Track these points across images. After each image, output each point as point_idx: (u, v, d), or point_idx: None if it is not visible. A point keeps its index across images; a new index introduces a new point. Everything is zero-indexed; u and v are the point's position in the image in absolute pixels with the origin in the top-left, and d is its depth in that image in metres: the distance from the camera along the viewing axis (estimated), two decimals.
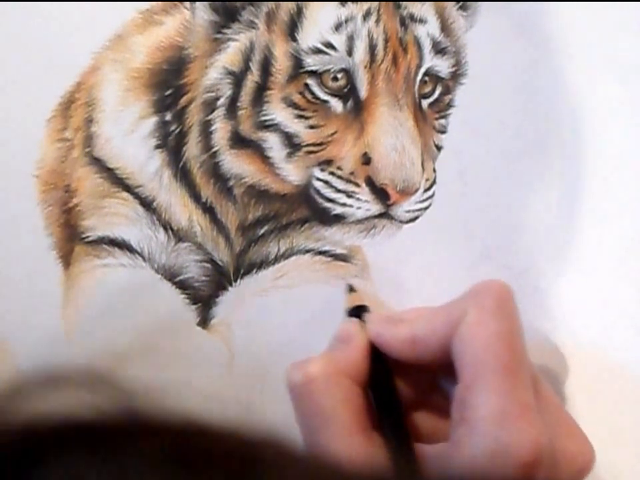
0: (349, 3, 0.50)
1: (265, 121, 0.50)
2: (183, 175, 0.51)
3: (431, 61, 0.52)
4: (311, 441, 0.41)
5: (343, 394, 0.41)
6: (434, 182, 0.52)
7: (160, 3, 0.51)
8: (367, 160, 0.50)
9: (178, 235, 0.52)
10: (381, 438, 0.41)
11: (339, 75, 0.50)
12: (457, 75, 0.53)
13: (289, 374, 0.42)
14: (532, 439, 0.37)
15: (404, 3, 0.51)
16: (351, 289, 0.49)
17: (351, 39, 0.50)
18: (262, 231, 0.52)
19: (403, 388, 0.44)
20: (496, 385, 0.38)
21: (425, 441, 0.42)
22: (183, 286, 0.52)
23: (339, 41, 0.50)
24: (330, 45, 0.50)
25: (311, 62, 0.50)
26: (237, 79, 0.50)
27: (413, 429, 0.44)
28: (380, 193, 0.50)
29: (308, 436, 0.42)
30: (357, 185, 0.50)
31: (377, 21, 0.50)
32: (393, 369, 0.44)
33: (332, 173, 0.51)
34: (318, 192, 0.51)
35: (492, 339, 0.39)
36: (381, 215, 0.51)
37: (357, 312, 0.46)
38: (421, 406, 0.44)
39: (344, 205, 0.51)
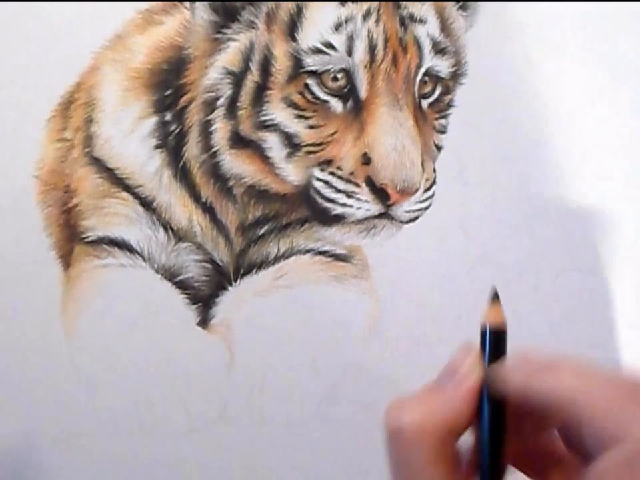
0: (349, 3, 0.50)
1: (265, 121, 0.50)
2: (182, 174, 0.51)
3: (430, 61, 0.52)
4: None
5: (436, 451, 0.36)
6: (434, 182, 0.52)
7: (160, 3, 0.51)
8: (366, 160, 0.50)
9: (178, 235, 0.52)
10: None
11: (339, 75, 0.50)
12: (456, 75, 0.53)
13: (386, 416, 0.36)
14: None
15: (404, 3, 0.51)
16: (496, 296, 0.38)
17: (350, 39, 0.50)
18: (262, 231, 0.52)
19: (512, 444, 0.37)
20: None
21: None
22: (182, 286, 0.52)
23: (338, 41, 0.50)
24: (330, 45, 0.50)
25: (311, 62, 0.50)
26: (237, 78, 0.50)
27: None
28: (380, 193, 0.50)
29: None
30: (357, 185, 0.50)
31: (377, 21, 0.50)
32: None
33: (332, 173, 0.51)
34: (318, 192, 0.51)
35: None
36: (381, 215, 0.51)
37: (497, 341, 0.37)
38: (536, 456, 0.37)
39: (344, 205, 0.51)
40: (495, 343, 0.38)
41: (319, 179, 0.51)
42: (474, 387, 0.36)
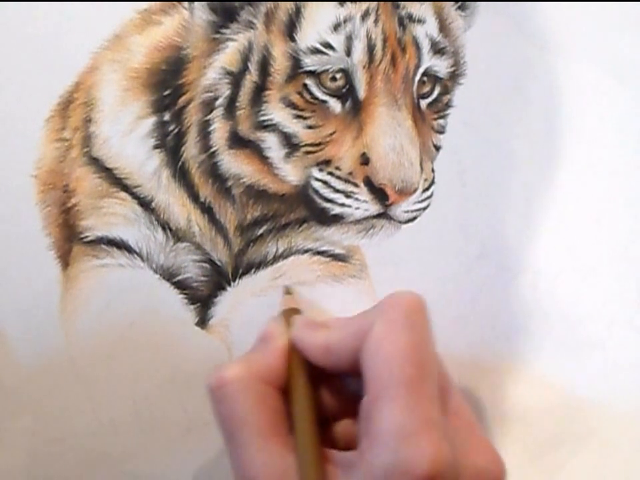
0: (348, 3, 0.50)
1: (264, 121, 0.50)
2: (181, 174, 0.51)
3: (429, 61, 0.52)
4: (229, 444, 0.41)
5: (256, 398, 0.41)
6: (432, 182, 0.53)
7: (158, 2, 0.51)
8: (365, 160, 0.50)
9: (176, 235, 0.52)
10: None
11: (338, 75, 0.50)
12: (455, 75, 0.53)
13: (208, 377, 0.43)
14: (430, 454, 0.37)
15: (402, 3, 0.51)
16: (287, 292, 0.51)
17: (349, 39, 0.50)
18: (260, 231, 0.52)
19: (326, 395, 0.44)
20: (398, 400, 0.38)
21: (348, 449, 0.42)
22: (181, 286, 0.52)
23: (337, 41, 0.50)
24: (328, 45, 0.50)
25: (310, 62, 0.50)
26: (236, 79, 0.50)
27: (335, 437, 0.44)
28: (378, 193, 0.50)
29: (226, 439, 0.42)
30: (356, 185, 0.50)
31: (376, 21, 0.50)
32: (317, 375, 0.44)
33: (330, 173, 0.51)
34: (316, 192, 0.51)
35: (396, 352, 0.39)
36: (379, 215, 0.51)
37: (289, 315, 0.47)
38: (345, 414, 0.44)
39: (342, 205, 0.51)
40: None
41: (317, 179, 0.51)
42: (283, 345, 0.44)
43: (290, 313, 0.48)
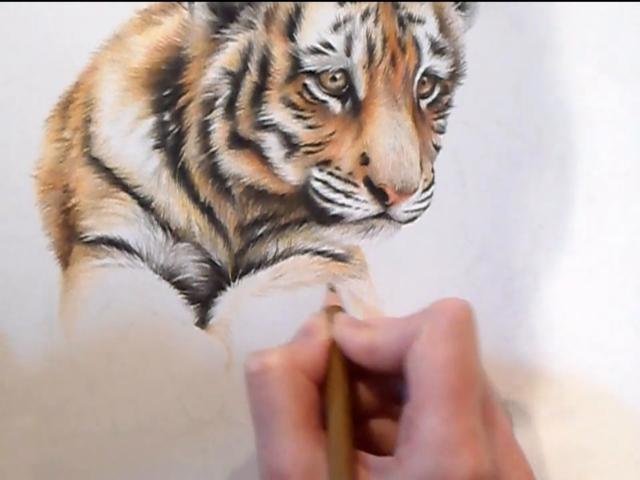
0: (347, 3, 0.50)
1: (264, 121, 0.50)
2: (181, 175, 0.51)
3: (429, 61, 0.52)
4: (260, 431, 0.41)
5: (295, 388, 0.41)
6: (432, 182, 0.53)
7: (158, 3, 0.51)
8: (365, 160, 0.50)
9: (176, 235, 0.52)
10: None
11: (338, 75, 0.50)
12: (455, 75, 0.53)
13: (247, 362, 0.42)
14: (472, 466, 0.37)
15: (402, 3, 0.51)
16: (332, 289, 0.51)
17: (349, 39, 0.50)
18: (260, 231, 0.52)
19: (364, 394, 0.44)
20: (442, 409, 0.38)
21: (380, 450, 0.42)
22: (181, 286, 0.52)
23: (337, 41, 0.50)
24: (328, 45, 0.50)
25: (310, 62, 0.50)
26: (236, 79, 0.50)
27: (369, 437, 0.44)
28: (378, 193, 0.50)
29: (258, 426, 0.42)
30: (356, 185, 0.50)
31: (376, 21, 0.50)
32: (357, 373, 0.43)
33: (330, 173, 0.51)
34: (316, 192, 0.51)
35: (442, 361, 0.39)
36: (379, 215, 0.51)
37: (332, 312, 0.47)
38: (381, 414, 0.44)
39: (342, 205, 0.51)
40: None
41: (317, 179, 0.51)
42: (325, 340, 0.44)
43: (332, 310, 0.47)
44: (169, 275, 0.52)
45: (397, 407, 0.42)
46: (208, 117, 0.51)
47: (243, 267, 0.52)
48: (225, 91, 0.50)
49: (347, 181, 0.50)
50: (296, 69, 0.50)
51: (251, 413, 0.42)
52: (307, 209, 0.52)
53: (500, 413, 0.43)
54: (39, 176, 0.51)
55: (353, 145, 0.50)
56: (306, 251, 0.53)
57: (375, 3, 0.51)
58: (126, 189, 0.51)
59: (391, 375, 0.42)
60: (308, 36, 0.50)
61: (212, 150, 0.51)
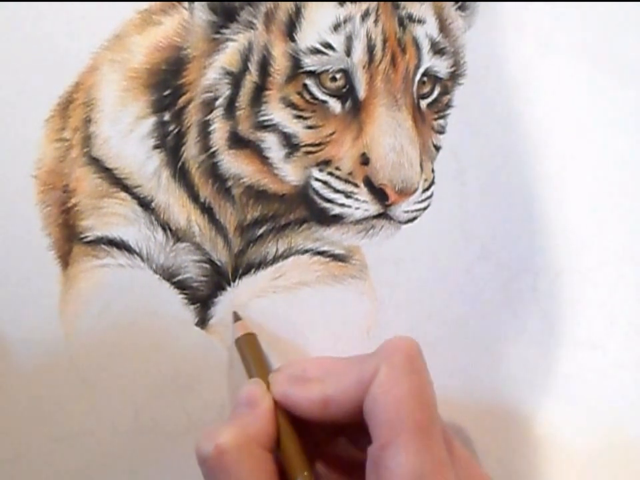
0: (348, 3, 0.50)
1: (264, 121, 0.50)
2: (181, 175, 0.51)
3: (429, 61, 0.52)
4: None
5: (254, 464, 0.41)
6: (432, 182, 0.53)
7: (158, 3, 0.51)
8: (365, 160, 0.50)
9: (176, 235, 0.52)
10: None
11: (338, 75, 0.50)
12: (455, 75, 0.53)
13: (200, 446, 0.42)
14: None
15: (402, 3, 0.51)
16: (237, 318, 0.50)
17: (349, 39, 0.50)
18: (260, 231, 0.52)
19: (315, 447, 0.44)
20: (411, 444, 0.38)
21: None
22: (181, 286, 0.52)
23: (337, 41, 0.50)
24: (328, 45, 0.50)
25: (310, 62, 0.50)
26: (236, 79, 0.50)
27: None
28: (378, 193, 0.50)
29: None
30: (356, 185, 0.50)
31: (376, 21, 0.50)
32: (302, 426, 0.43)
33: (330, 173, 0.51)
34: (316, 192, 0.51)
35: (404, 397, 0.39)
36: (379, 216, 0.51)
37: (245, 341, 0.49)
38: (335, 462, 0.45)
39: (342, 205, 0.51)
40: (252, 345, 0.49)
41: (317, 179, 0.51)
42: (270, 406, 0.44)
43: (245, 339, 0.48)
44: (168, 275, 0.52)
45: (349, 454, 0.43)
46: (208, 117, 0.51)
47: (242, 267, 0.52)
48: (225, 91, 0.50)
49: (346, 181, 0.50)
50: (296, 69, 0.50)
51: None
52: (307, 209, 0.52)
53: (457, 443, 0.44)
54: (38, 176, 0.51)
55: (353, 145, 0.50)
56: (306, 251, 0.53)
57: (375, 3, 0.51)
58: (126, 189, 0.51)
59: (343, 425, 0.43)
60: (308, 36, 0.50)
61: (212, 150, 0.51)
